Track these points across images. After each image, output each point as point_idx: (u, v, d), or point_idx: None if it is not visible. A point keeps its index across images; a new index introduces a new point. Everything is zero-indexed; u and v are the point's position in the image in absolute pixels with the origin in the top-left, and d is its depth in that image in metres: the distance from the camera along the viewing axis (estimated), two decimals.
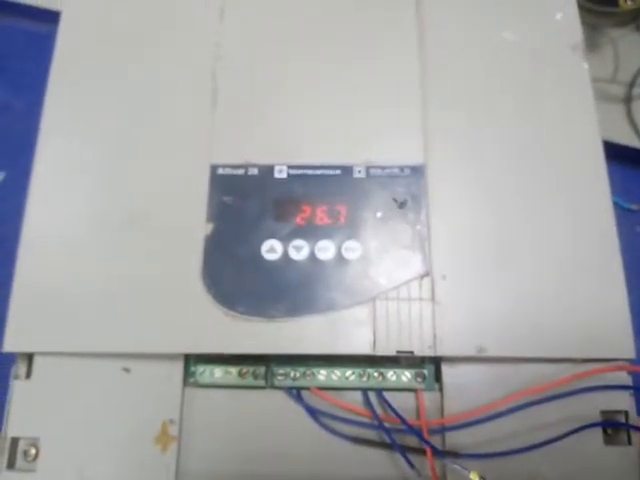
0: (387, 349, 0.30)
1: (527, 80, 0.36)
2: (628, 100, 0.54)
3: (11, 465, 0.31)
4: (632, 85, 0.54)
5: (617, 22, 0.56)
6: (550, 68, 0.36)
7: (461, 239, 0.32)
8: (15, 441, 0.31)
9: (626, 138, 0.52)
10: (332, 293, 0.31)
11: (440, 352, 0.30)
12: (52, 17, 0.56)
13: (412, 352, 0.30)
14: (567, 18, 0.37)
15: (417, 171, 0.33)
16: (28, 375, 0.32)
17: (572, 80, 0.36)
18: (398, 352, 0.30)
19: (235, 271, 0.31)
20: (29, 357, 0.32)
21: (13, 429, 0.31)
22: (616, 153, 0.46)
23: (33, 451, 0.31)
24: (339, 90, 0.35)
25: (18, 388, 0.32)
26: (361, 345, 0.30)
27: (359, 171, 0.33)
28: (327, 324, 0.30)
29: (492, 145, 0.34)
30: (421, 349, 0.30)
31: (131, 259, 0.32)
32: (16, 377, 0.32)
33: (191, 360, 0.32)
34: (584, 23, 0.37)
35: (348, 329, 0.30)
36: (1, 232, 0.48)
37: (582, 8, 0.39)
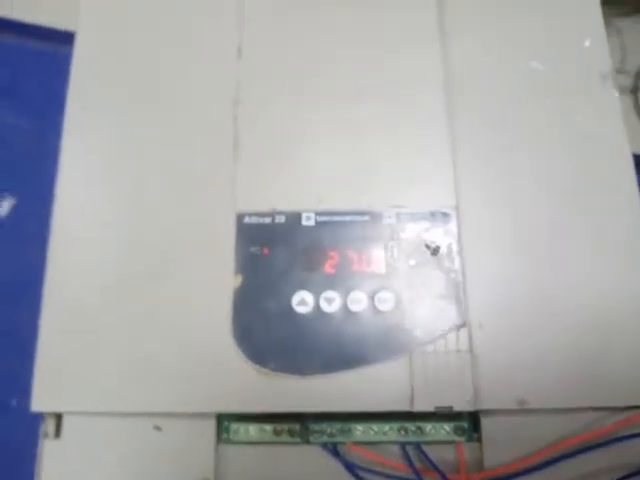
0: (425, 405, 0.29)
1: (558, 114, 0.34)
2: (635, 90, 0.53)
3: None
4: (639, 75, 0.53)
5: (623, 12, 0.55)
6: (580, 99, 0.35)
7: (497, 285, 0.31)
8: None
9: (633, 128, 0.51)
10: (366, 347, 0.30)
11: (479, 406, 0.29)
12: (59, 36, 0.55)
13: (451, 407, 0.29)
14: (596, 46, 0.36)
15: (449, 216, 0.32)
16: (57, 434, 0.31)
17: (603, 111, 0.35)
18: (437, 408, 0.29)
19: (266, 326, 0.31)
20: (58, 416, 0.31)
21: None
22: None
23: None
24: (366, 133, 0.34)
25: (48, 447, 0.31)
26: (398, 401, 0.29)
27: (389, 217, 0.32)
28: (362, 380, 0.30)
29: (526, 185, 0.33)
30: (460, 404, 0.29)
31: (159, 316, 0.31)
32: (45, 436, 0.31)
33: (224, 417, 0.31)
34: None
35: (384, 385, 0.30)
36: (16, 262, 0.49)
37: None
